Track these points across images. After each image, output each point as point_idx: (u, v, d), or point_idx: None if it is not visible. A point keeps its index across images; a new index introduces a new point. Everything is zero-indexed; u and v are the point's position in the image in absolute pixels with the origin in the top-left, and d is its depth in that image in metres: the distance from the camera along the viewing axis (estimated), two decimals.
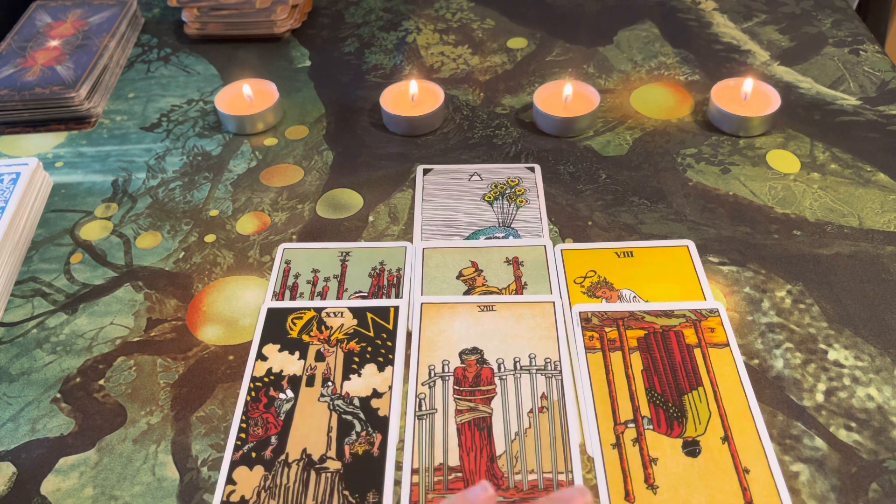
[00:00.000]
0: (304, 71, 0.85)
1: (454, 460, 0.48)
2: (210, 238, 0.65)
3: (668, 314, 0.56)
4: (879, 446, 0.48)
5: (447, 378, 0.53)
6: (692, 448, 0.48)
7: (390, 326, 0.56)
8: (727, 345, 0.54)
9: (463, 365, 0.53)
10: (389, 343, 0.55)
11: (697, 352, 0.53)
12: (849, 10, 0.89)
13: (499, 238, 0.63)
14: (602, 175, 0.69)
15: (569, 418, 0.50)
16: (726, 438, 0.48)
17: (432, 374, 0.53)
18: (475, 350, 0.54)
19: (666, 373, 0.52)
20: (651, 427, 0.49)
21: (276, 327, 0.57)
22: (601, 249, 0.61)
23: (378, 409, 0.51)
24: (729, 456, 0.47)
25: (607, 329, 0.55)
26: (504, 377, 0.52)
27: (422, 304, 0.57)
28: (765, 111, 0.71)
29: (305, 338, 0.56)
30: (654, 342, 0.54)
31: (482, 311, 0.57)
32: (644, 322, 0.55)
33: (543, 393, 0.51)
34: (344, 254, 0.63)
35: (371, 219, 0.66)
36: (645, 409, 0.50)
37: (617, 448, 0.48)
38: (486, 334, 0.55)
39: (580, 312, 0.56)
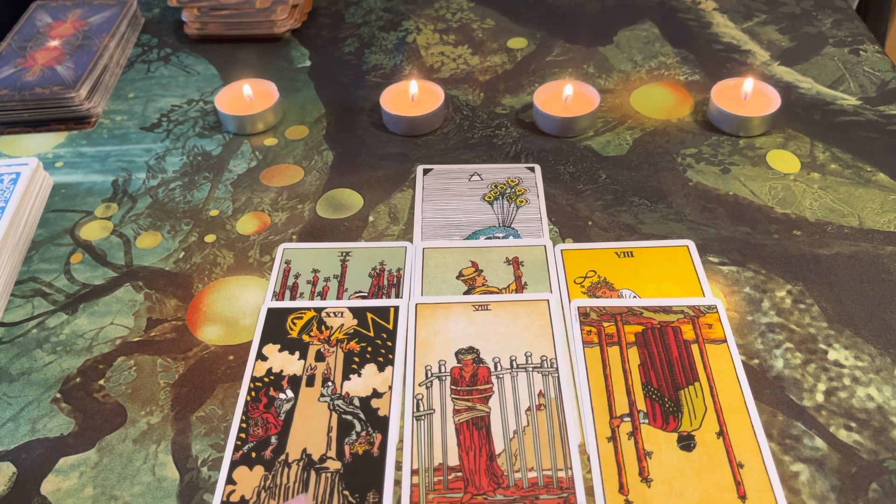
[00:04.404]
0: (304, 71, 0.85)
1: (453, 460, 0.48)
2: (210, 238, 0.65)
3: (666, 310, 0.56)
4: (879, 446, 0.48)
5: (444, 378, 0.53)
6: (687, 442, 0.48)
7: (390, 326, 0.56)
8: (724, 341, 0.54)
9: (459, 365, 0.53)
10: (389, 343, 0.55)
11: (695, 347, 0.53)
12: (849, 10, 0.89)
13: (499, 238, 0.63)
14: (602, 175, 0.69)
15: (566, 415, 0.50)
16: (721, 433, 0.48)
17: (429, 375, 0.53)
18: (471, 349, 0.54)
19: (663, 368, 0.52)
20: (647, 421, 0.49)
21: (276, 327, 0.57)
22: (601, 249, 0.61)
23: (378, 409, 0.51)
24: (723, 450, 0.48)
25: (605, 324, 0.55)
26: (501, 376, 0.52)
27: (416, 304, 0.57)
28: (765, 111, 0.71)
29: (305, 338, 0.56)
30: (651, 337, 0.54)
31: (477, 310, 0.57)
32: (642, 317, 0.55)
33: (541, 391, 0.51)
34: (344, 254, 0.63)
35: (371, 219, 0.66)
36: (641, 404, 0.50)
37: (612, 441, 0.48)
38: (482, 333, 0.55)
39: (578, 307, 0.56)
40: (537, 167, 0.70)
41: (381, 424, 0.50)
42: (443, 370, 0.53)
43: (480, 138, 0.74)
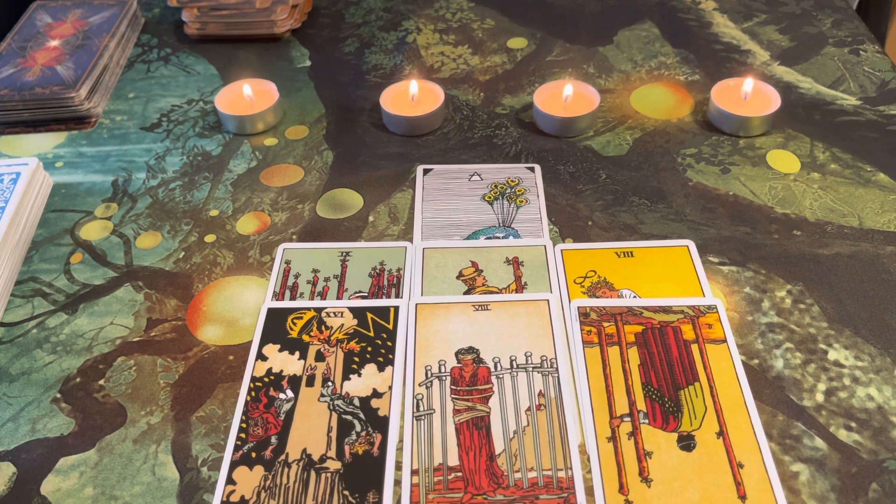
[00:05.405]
0: (304, 71, 0.85)
1: (454, 460, 0.48)
2: (210, 238, 0.65)
3: (666, 310, 0.56)
4: (879, 446, 0.48)
5: (444, 378, 0.53)
6: (687, 442, 0.48)
7: (390, 326, 0.56)
8: (724, 341, 0.54)
9: (459, 365, 0.53)
10: (389, 343, 0.55)
11: (695, 347, 0.53)
12: (849, 10, 0.89)
13: (499, 238, 0.63)
14: (602, 175, 0.69)
15: (566, 415, 0.50)
16: (721, 433, 0.48)
17: (429, 375, 0.53)
18: (471, 349, 0.54)
19: (663, 368, 0.52)
20: (647, 421, 0.49)
21: (276, 327, 0.57)
22: (601, 249, 0.61)
23: (378, 409, 0.51)
24: (723, 450, 0.48)
25: (605, 324, 0.55)
26: (501, 376, 0.52)
27: (416, 304, 0.57)
28: (765, 111, 0.71)
29: (305, 338, 0.56)
30: (651, 337, 0.54)
31: (477, 310, 0.57)
32: (642, 317, 0.55)
33: (540, 391, 0.51)
34: (344, 254, 0.63)
35: (371, 219, 0.66)
36: (641, 404, 0.50)
37: (612, 441, 0.48)
38: (482, 333, 0.55)
39: (578, 307, 0.56)
40: (537, 167, 0.70)
41: (381, 424, 0.50)
42: (443, 370, 0.53)
43: (480, 138, 0.74)
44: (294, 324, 0.57)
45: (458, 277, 0.60)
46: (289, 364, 0.54)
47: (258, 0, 0.89)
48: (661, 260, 0.60)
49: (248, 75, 0.82)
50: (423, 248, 0.62)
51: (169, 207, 0.68)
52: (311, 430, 0.50)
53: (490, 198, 0.67)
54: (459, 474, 0.47)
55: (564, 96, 0.75)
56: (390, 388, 0.52)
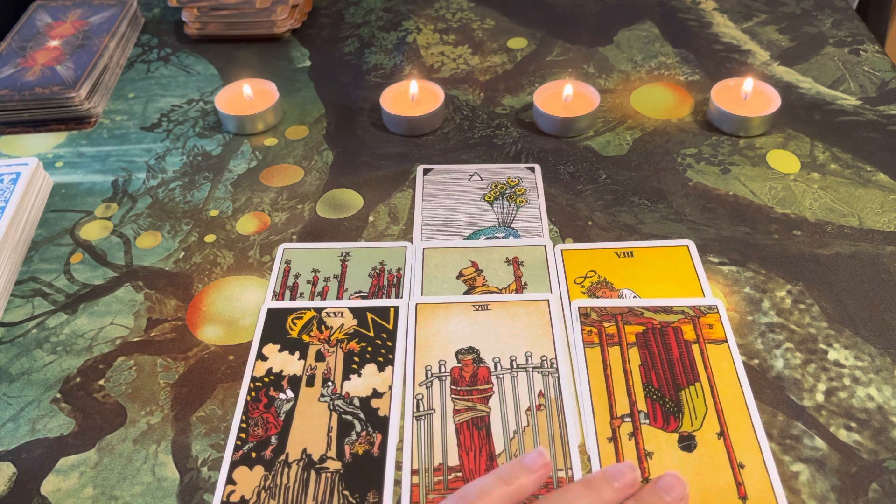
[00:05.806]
0: (304, 71, 0.85)
1: (454, 460, 0.48)
2: (210, 238, 0.65)
3: (666, 310, 0.56)
4: (879, 446, 0.48)
5: (444, 378, 0.53)
6: (688, 443, 0.48)
7: (390, 326, 0.56)
8: (725, 341, 0.54)
9: (459, 365, 0.53)
10: (389, 343, 0.55)
11: (695, 347, 0.53)
12: (849, 10, 0.89)
13: (499, 238, 0.63)
14: (602, 175, 0.69)
15: (567, 415, 0.50)
16: (722, 434, 0.48)
17: (429, 375, 0.53)
18: (471, 349, 0.54)
19: (663, 368, 0.52)
20: (647, 421, 0.49)
21: (276, 327, 0.57)
22: (601, 249, 0.61)
23: (378, 409, 0.51)
24: (724, 451, 0.48)
25: (606, 324, 0.55)
26: (501, 376, 0.52)
27: (416, 304, 0.57)
28: (765, 111, 0.71)
29: (305, 338, 0.56)
30: (652, 338, 0.54)
31: (477, 310, 0.57)
32: (643, 318, 0.55)
33: (541, 391, 0.51)
34: (344, 254, 0.63)
35: (371, 219, 0.66)
36: (642, 404, 0.50)
37: (613, 442, 0.48)
38: (482, 333, 0.55)
39: (579, 308, 0.56)
40: (537, 167, 0.70)
41: (381, 424, 0.50)
42: (443, 370, 0.53)
43: (480, 138, 0.74)
44: (294, 324, 0.57)
45: (458, 277, 0.60)
46: (289, 364, 0.54)
47: (258, 0, 0.89)
48: (661, 260, 0.60)
49: (248, 75, 0.82)
50: (423, 248, 0.62)
51: (169, 207, 0.68)
52: (311, 430, 0.50)
53: (490, 198, 0.67)
54: (459, 474, 0.47)
55: (564, 96, 0.75)
56: (390, 388, 0.52)
